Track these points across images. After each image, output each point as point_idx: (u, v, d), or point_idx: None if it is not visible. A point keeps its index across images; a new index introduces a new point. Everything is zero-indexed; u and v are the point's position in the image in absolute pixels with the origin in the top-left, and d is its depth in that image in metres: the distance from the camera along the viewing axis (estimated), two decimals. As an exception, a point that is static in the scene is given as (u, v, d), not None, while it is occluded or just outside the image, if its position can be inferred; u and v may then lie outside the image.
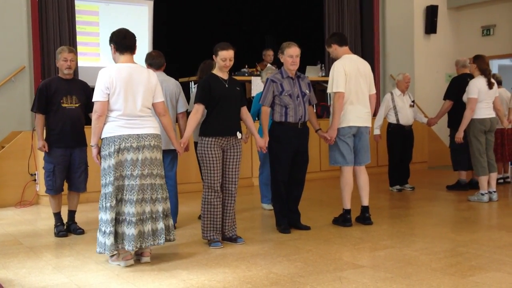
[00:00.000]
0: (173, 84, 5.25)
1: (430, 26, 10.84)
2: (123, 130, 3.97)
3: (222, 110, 4.49)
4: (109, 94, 3.96)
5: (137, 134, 3.99)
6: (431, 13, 10.82)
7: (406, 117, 7.22)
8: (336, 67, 5.08)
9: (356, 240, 4.67)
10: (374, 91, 5.30)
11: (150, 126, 4.07)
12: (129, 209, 3.96)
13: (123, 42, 4.08)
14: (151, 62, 5.26)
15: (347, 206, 5.19)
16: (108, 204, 3.95)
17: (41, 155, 6.80)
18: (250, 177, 8.04)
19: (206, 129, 4.50)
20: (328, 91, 5.26)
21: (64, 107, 5.03)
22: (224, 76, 4.59)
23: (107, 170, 3.99)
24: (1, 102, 7.41)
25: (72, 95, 5.06)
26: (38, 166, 6.85)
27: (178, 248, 4.54)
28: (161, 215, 4.08)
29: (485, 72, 6.30)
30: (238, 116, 4.65)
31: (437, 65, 10.87)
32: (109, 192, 3.96)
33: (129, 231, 3.94)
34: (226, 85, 4.55)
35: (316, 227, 5.19)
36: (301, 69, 9.59)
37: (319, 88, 10.17)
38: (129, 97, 3.99)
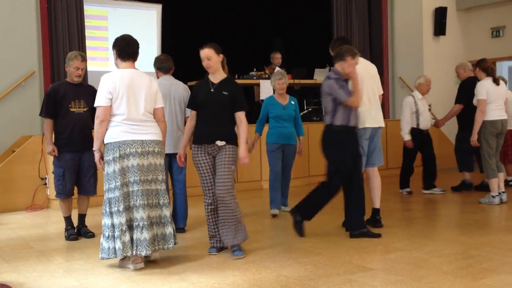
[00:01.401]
0: (181, 87, 5.27)
1: (439, 28, 10.80)
2: (127, 136, 3.99)
3: (202, 116, 4.34)
4: (111, 99, 4.00)
5: (141, 140, 4.02)
6: (440, 14, 10.78)
7: (425, 121, 7.11)
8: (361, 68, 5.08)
9: (366, 243, 4.64)
10: (381, 91, 5.31)
11: (152, 132, 4.11)
12: (141, 214, 3.98)
13: (126, 49, 4.12)
14: (160, 66, 5.28)
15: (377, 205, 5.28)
16: (115, 209, 3.97)
17: (51, 159, 6.85)
18: (259, 180, 8.03)
19: (193, 135, 4.47)
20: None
21: (73, 112, 5.06)
22: (214, 79, 4.36)
23: (111, 175, 3.99)
24: (11, 107, 7.46)
25: (80, 99, 5.09)
26: (48, 170, 6.89)
27: (187, 251, 4.54)
28: (169, 220, 4.12)
29: (488, 70, 6.26)
30: (222, 122, 4.31)
31: (446, 67, 10.82)
32: (114, 197, 3.97)
33: (143, 235, 3.95)
34: (212, 90, 4.32)
35: (325, 230, 5.18)
36: (310, 72, 9.66)
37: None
38: (132, 102, 4.03)
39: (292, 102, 6.03)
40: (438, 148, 9.76)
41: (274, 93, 6.17)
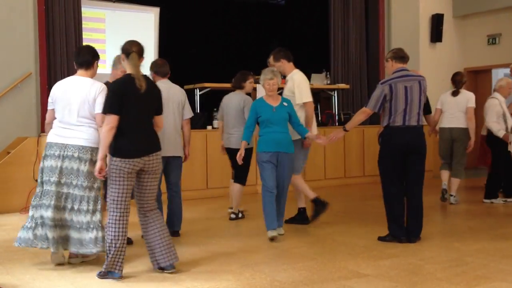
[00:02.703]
0: (178, 91, 5.27)
1: (436, 35, 10.83)
2: (53, 138, 4.23)
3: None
4: (52, 103, 4.31)
5: (63, 143, 4.17)
6: (437, 21, 10.81)
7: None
8: (302, 78, 5.51)
9: (360, 248, 4.65)
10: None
11: (80, 138, 4.16)
12: (48, 214, 4.11)
13: (76, 58, 4.42)
14: (158, 70, 5.30)
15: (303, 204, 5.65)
16: (34, 203, 4.22)
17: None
18: (254, 184, 8.03)
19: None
20: (302, 101, 5.46)
21: None
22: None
23: (39, 171, 4.27)
24: (7, 108, 7.44)
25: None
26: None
27: (182, 255, 4.51)
28: (90, 226, 4.12)
29: (456, 82, 6.90)
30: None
31: (442, 74, 10.82)
32: (36, 192, 4.25)
33: (49, 234, 4.09)
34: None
35: (321, 235, 5.18)
36: (307, 77, 9.64)
37: (324, 95, 10.19)
38: (66, 107, 4.21)
39: (285, 104, 5.22)
40: (433, 154, 9.79)
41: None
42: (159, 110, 4.06)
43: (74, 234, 4.15)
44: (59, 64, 8.01)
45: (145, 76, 3.98)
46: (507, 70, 11.59)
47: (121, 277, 3.86)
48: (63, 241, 4.17)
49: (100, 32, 9.84)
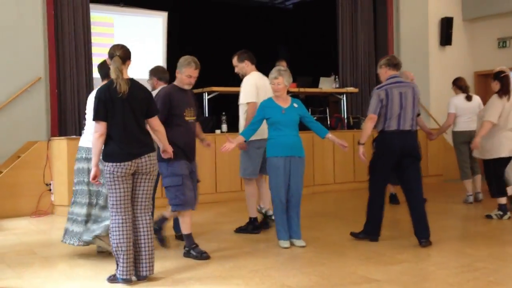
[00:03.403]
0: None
1: (445, 38, 10.80)
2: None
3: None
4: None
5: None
6: (446, 25, 10.78)
7: None
8: (251, 79, 5.52)
9: (371, 253, 4.61)
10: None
11: (84, 139, 4.69)
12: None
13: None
14: (162, 76, 5.49)
15: (254, 214, 5.56)
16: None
17: (55, 164, 6.87)
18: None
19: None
20: (243, 101, 5.50)
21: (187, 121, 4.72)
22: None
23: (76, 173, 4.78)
24: (17, 112, 7.48)
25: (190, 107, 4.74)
26: (53, 176, 6.90)
27: (191, 260, 4.52)
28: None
29: (463, 88, 7.26)
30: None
31: (452, 77, 10.60)
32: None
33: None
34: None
35: (330, 240, 5.15)
36: (315, 81, 9.66)
37: (332, 99, 10.16)
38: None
39: (295, 105, 4.94)
40: (443, 158, 9.74)
41: None
42: (150, 112, 3.96)
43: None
44: (68, 69, 8.04)
45: (130, 79, 3.90)
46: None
47: (131, 282, 3.83)
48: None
49: (109, 36, 9.89)
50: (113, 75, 3.83)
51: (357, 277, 3.93)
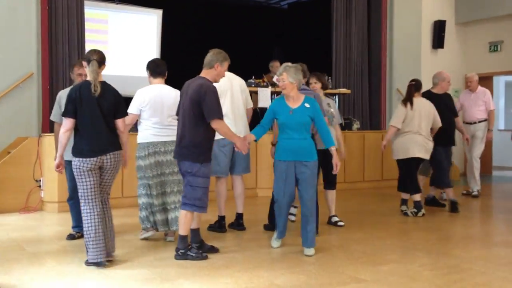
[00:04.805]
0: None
1: (438, 41, 10.86)
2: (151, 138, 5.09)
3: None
4: (140, 109, 5.01)
5: (161, 141, 5.05)
6: (439, 28, 10.84)
7: None
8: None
9: (359, 254, 4.64)
10: (250, 105, 5.66)
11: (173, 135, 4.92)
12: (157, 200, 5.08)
13: (155, 69, 5.13)
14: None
15: (222, 213, 5.57)
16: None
17: (45, 161, 6.84)
18: (254, 187, 8.02)
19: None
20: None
21: None
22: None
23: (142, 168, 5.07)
24: (8, 108, 7.45)
25: None
26: (43, 172, 6.87)
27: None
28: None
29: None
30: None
31: (443, 80, 10.86)
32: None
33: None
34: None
35: (319, 240, 5.17)
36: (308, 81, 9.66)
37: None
38: (158, 110, 5.02)
39: (307, 105, 4.52)
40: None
41: None
42: (118, 114, 4.29)
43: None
44: (61, 65, 8.01)
45: (103, 82, 4.23)
46: (509, 78, 11.63)
47: (105, 265, 4.14)
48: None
49: (103, 33, 9.87)
50: (90, 77, 4.17)
51: (345, 277, 3.96)
